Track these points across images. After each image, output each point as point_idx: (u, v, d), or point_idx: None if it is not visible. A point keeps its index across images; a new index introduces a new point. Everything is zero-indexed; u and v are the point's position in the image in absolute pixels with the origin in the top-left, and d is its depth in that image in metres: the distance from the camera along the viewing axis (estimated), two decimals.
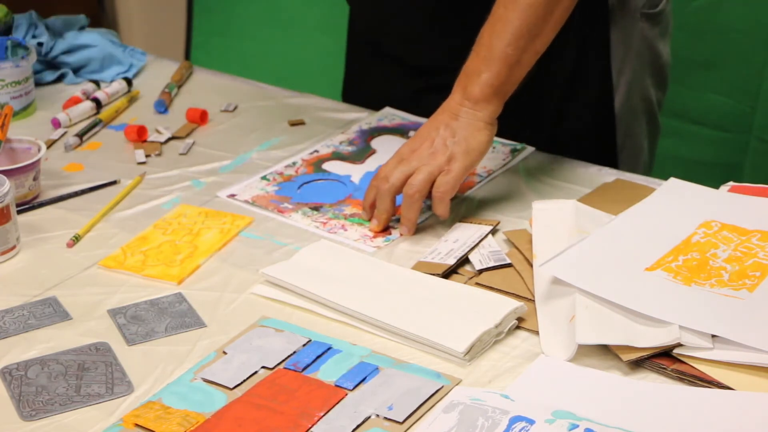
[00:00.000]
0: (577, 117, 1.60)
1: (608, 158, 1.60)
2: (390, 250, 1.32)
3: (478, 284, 1.23)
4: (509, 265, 1.26)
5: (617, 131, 1.61)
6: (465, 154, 1.32)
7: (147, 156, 1.57)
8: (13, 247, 1.32)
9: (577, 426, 0.98)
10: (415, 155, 1.33)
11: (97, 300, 1.23)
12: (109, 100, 1.74)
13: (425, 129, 1.35)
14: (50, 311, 1.21)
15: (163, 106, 1.71)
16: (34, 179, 1.44)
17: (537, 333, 1.14)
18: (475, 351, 1.11)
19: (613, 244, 1.24)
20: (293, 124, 1.67)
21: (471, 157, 1.32)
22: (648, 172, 1.68)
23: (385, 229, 1.35)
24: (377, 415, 1.03)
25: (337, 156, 1.56)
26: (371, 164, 1.53)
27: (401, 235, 1.35)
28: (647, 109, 1.65)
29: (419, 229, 1.35)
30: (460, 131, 1.32)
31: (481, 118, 1.32)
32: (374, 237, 1.35)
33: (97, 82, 1.79)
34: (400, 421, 1.02)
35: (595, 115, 1.60)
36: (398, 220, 1.36)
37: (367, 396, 1.05)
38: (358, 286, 1.22)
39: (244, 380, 1.09)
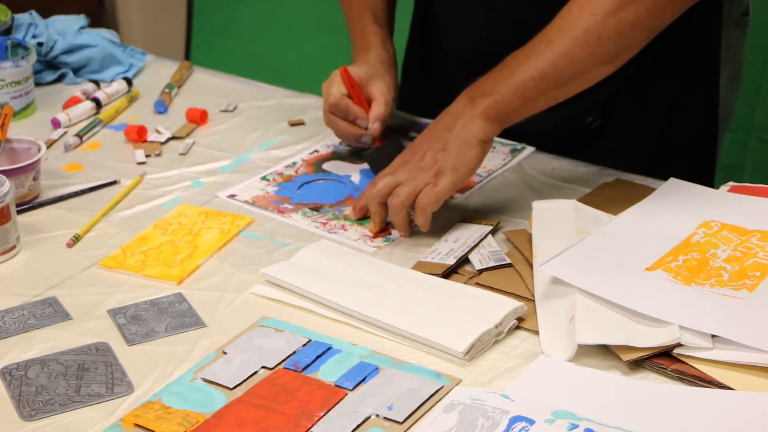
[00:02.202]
0: (679, 136, 1.57)
1: (707, 175, 1.57)
2: (390, 250, 1.32)
3: (478, 284, 1.23)
4: (509, 265, 1.26)
5: (717, 146, 1.59)
6: (453, 170, 1.30)
7: (147, 156, 1.57)
8: (13, 247, 1.32)
9: (577, 426, 0.98)
10: (406, 167, 1.33)
11: (97, 300, 1.23)
12: (109, 100, 1.74)
13: (420, 140, 1.35)
14: (50, 311, 1.21)
15: (163, 106, 1.71)
16: (34, 179, 1.44)
17: (537, 333, 1.14)
18: (475, 351, 1.11)
19: (613, 244, 1.24)
20: (293, 124, 1.67)
21: (459, 172, 1.31)
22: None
23: (385, 229, 1.36)
24: (377, 415, 1.03)
25: (337, 156, 1.56)
26: None
27: (400, 235, 1.35)
28: (727, 118, 1.63)
29: (419, 230, 1.35)
30: (451, 145, 1.31)
31: (474, 134, 1.30)
32: (374, 237, 1.35)
33: (97, 82, 1.79)
34: (400, 421, 1.02)
35: (698, 132, 1.58)
36: None
37: (367, 396, 1.06)
38: (358, 286, 1.22)
39: (244, 380, 1.09)
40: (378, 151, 1.49)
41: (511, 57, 1.31)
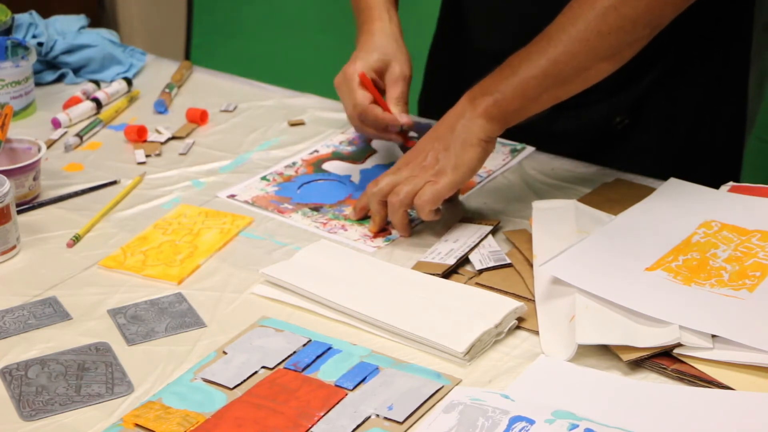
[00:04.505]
0: (706, 141, 1.56)
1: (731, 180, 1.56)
2: (390, 250, 1.32)
3: (478, 284, 1.23)
4: (509, 265, 1.26)
5: (744, 151, 1.58)
6: (454, 170, 1.30)
7: (147, 156, 1.57)
8: (13, 247, 1.32)
9: (577, 426, 0.98)
10: (407, 168, 1.33)
11: (97, 300, 1.23)
12: (109, 100, 1.74)
13: (423, 141, 1.35)
14: (50, 311, 1.21)
15: (163, 106, 1.71)
16: (34, 179, 1.44)
17: (537, 333, 1.14)
18: (475, 351, 1.11)
19: (613, 244, 1.24)
20: (293, 124, 1.67)
21: (459, 172, 1.30)
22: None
23: (385, 229, 1.36)
24: (377, 415, 1.03)
25: (337, 156, 1.56)
26: (371, 164, 1.53)
27: (400, 235, 1.35)
28: (752, 123, 1.62)
29: (419, 229, 1.36)
30: (453, 146, 1.31)
31: (476, 133, 1.30)
32: (374, 237, 1.35)
33: (97, 82, 1.79)
34: (400, 421, 1.02)
35: (726, 136, 1.57)
36: None
37: (367, 396, 1.06)
38: (358, 286, 1.22)
39: (244, 380, 1.09)
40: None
41: (513, 56, 1.31)
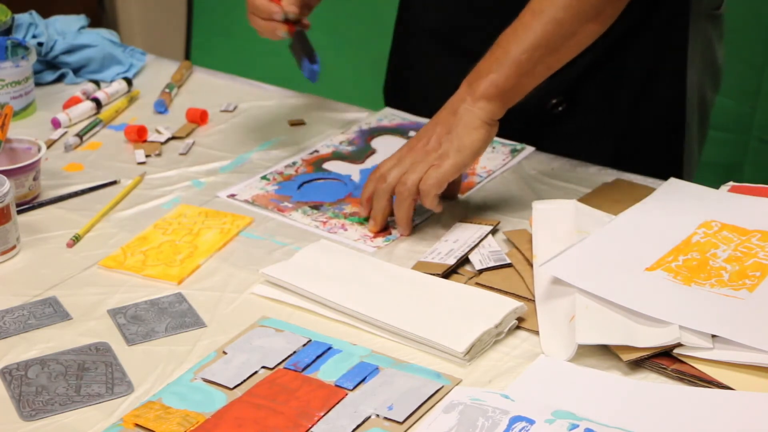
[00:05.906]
0: (646, 126, 1.57)
1: (674, 168, 1.56)
2: (390, 250, 1.32)
3: (478, 284, 1.23)
4: (509, 265, 1.26)
5: (685, 138, 1.59)
6: (457, 152, 1.31)
7: (147, 156, 1.56)
8: (13, 247, 1.32)
9: (577, 426, 0.98)
10: (411, 154, 1.33)
11: (97, 300, 1.23)
12: (109, 100, 1.74)
13: (425, 127, 1.36)
14: (50, 311, 1.21)
15: (163, 106, 1.71)
16: (34, 179, 1.44)
17: (537, 333, 1.14)
18: (475, 351, 1.11)
19: (613, 244, 1.24)
20: (293, 124, 1.67)
21: (463, 154, 1.31)
22: (691, 178, 1.62)
23: (385, 229, 1.35)
24: (377, 415, 1.03)
25: (337, 156, 1.56)
26: (371, 164, 1.53)
27: (401, 235, 1.35)
28: (702, 112, 1.63)
29: (419, 229, 1.36)
30: (456, 128, 1.31)
31: (479, 116, 1.31)
32: (374, 237, 1.35)
33: (97, 82, 1.79)
34: (400, 421, 1.02)
35: (665, 123, 1.58)
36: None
37: (367, 396, 1.06)
38: (358, 286, 1.22)
39: (244, 380, 1.09)
40: (294, 40, 1.53)
41: (501, 36, 1.33)
